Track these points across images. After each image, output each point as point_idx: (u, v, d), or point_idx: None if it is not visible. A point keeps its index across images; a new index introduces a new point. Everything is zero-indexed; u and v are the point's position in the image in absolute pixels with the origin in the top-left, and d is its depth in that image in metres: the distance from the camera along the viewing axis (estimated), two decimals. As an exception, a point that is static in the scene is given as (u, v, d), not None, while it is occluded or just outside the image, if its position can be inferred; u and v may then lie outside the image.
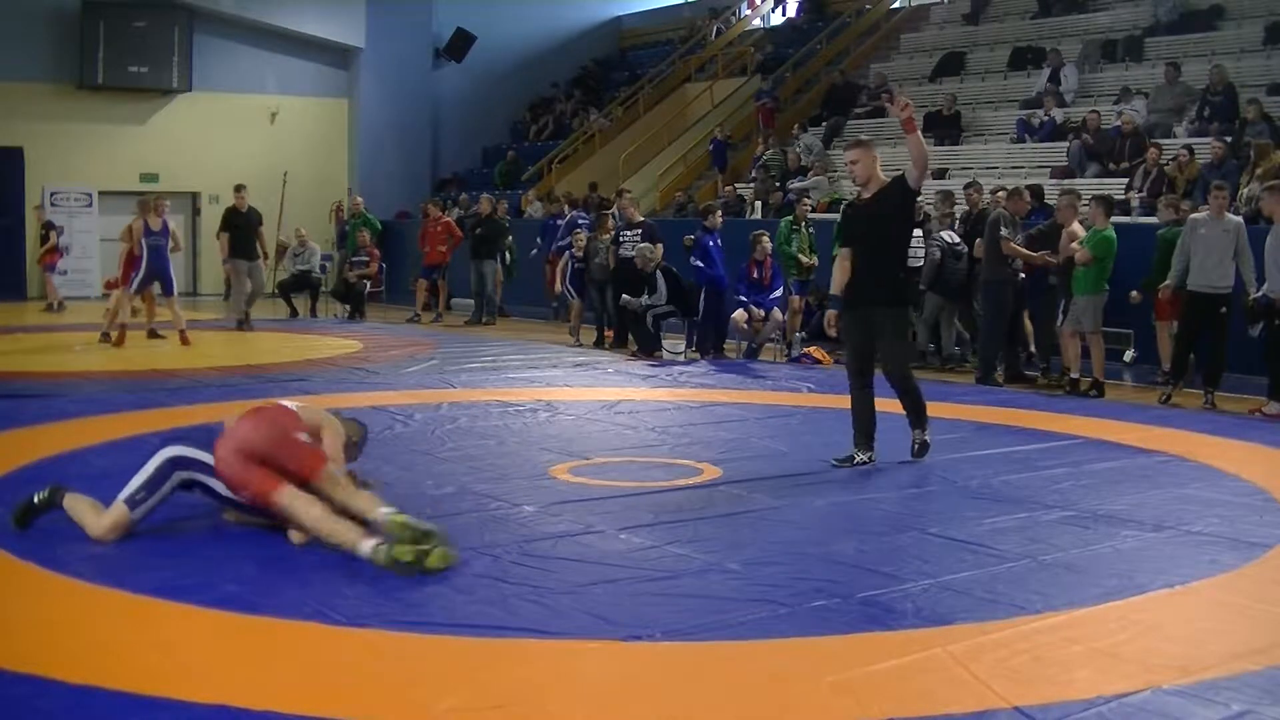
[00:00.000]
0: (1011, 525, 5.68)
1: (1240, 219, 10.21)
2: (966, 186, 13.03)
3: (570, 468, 6.91)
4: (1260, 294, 9.46)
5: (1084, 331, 10.34)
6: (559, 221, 17.56)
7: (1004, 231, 10.97)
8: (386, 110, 24.06)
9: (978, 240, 11.71)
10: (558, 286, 16.17)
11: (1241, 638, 4.19)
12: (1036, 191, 13.14)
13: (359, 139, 24.02)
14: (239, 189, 15.82)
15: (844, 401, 9.73)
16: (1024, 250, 11.02)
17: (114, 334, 13.26)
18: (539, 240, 18.08)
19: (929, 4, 22.74)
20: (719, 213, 13.61)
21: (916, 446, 7.24)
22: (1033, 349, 11.85)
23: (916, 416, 7.26)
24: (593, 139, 23.03)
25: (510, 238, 17.91)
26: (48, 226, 18.58)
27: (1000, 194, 11.94)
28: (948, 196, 12.71)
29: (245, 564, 4.83)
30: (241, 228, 15.50)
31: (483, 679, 3.73)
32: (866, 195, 7.24)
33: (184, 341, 13.17)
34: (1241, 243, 9.79)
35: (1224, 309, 9.80)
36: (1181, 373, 10.12)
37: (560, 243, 16.62)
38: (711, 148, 20.49)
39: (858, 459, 7.13)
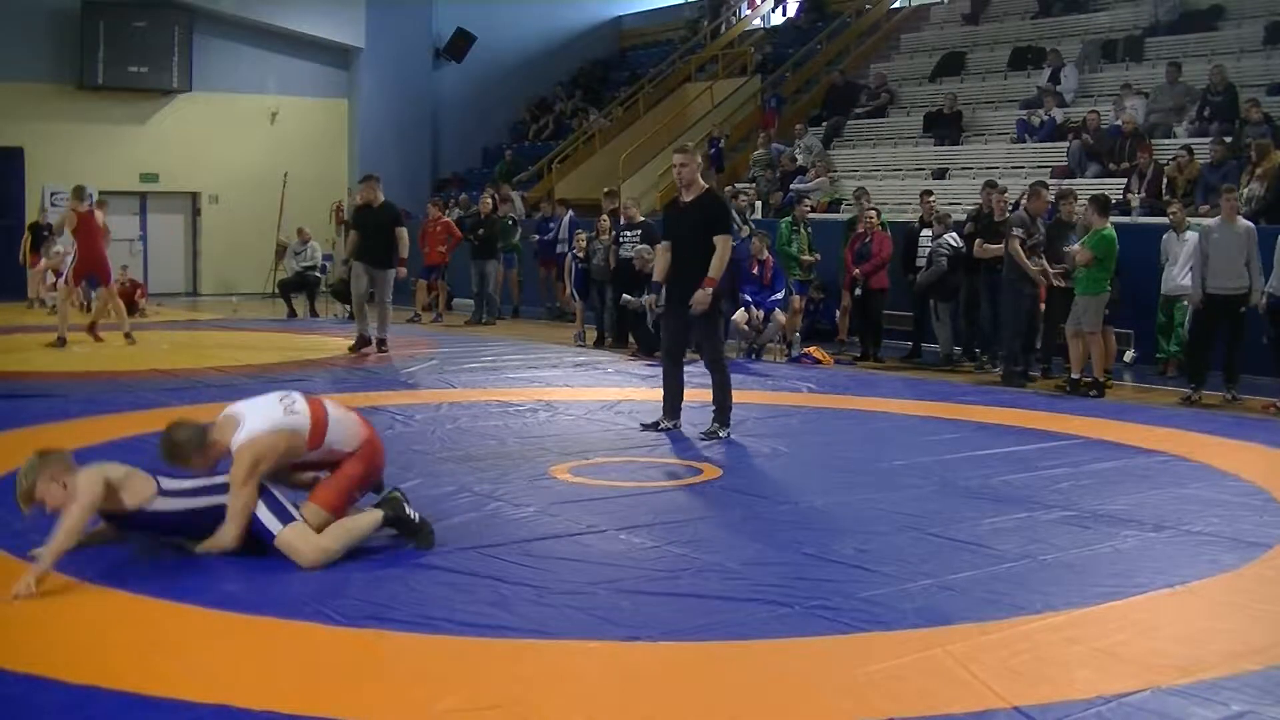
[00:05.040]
0: (1011, 525, 5.69)
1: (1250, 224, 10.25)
2: (987, 186, 12.72)
3: (570, 468, 6.91)
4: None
5: (1084, 331, 10.33)
6: (552, 224, 17.59)
7: (1016, 232, 10.88)
8: (386, 110, 24.04)
9: (978, 240, 11.69)
10: (567, 289, 16.11)
11: (1241, 638, 4.19)
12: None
13: (359, 139, 23.99)
14: (367, 179, 12.95)
15: (845, 401, 9.84)
16: (1028, 264, 10.86)
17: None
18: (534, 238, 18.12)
19: (929, 4, 22.70)
20: None
21: (706, 430, 7.89)
22: (1037, 345, 11.86)
23: (719, 409, 7.95)
24: (593, 139, 23.00)
25: (516, 238, 17.88)
26: (47, 229, 18.47)
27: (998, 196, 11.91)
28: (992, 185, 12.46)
29: (245, 564, 4.83)
30: (367, 227, 12.69)
31: (482, 679, 3.73)
32: (686, 199, 7.83)
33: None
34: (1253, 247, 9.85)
35: (1242, 309, 9.84)
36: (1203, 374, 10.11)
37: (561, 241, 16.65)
38: (710, 150, 20.41)
39: (662, 425, 8.06)
